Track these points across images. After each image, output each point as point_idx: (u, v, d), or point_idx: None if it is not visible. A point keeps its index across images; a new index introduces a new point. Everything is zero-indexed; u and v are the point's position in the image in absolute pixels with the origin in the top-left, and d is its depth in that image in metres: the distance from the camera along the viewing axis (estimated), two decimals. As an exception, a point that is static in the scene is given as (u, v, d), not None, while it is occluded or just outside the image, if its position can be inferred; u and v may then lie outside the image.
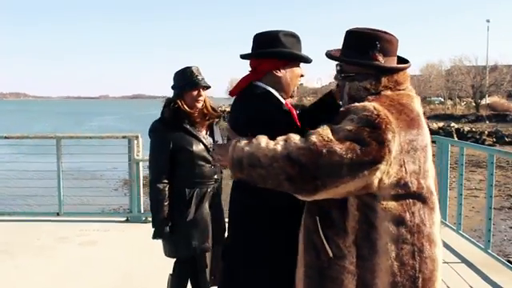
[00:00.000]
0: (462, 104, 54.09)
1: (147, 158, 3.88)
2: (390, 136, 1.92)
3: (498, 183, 15.57)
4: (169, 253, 3.53)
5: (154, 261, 4.56)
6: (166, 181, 3.40)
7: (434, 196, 2.11)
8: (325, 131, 1.97)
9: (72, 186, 6.84)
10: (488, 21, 58.24)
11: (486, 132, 34.14)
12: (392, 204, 1.99)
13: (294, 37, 2.45)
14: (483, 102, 50.33)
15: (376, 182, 1.94)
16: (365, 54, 2.12)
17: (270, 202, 2.24)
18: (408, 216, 2.01)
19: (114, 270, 5.04)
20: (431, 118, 40.68)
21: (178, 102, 3.42)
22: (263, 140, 2.06)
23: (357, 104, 2.02)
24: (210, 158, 3.34)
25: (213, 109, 3.59)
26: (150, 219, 3.60)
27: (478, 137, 32.83)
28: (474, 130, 35.37)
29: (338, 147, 1.90)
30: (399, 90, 2.12)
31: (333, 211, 2.05)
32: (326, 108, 2.57)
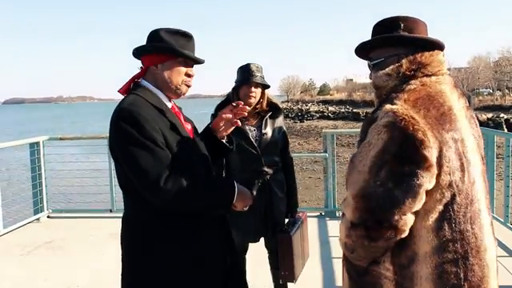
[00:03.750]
0: (511, 94, 52.37)
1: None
2: (420, 136, 1.69)
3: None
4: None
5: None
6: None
7: (481, 195, 1.87)
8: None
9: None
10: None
11: (536, 122, 32.94)
12: (431, 207, 1.77)
13: (183, 35, 2.30)
14: (532, 91, 48.69)
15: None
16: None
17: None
18: (449, 223, 1.78)
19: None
20: (480, 109, 39.68)
21: (230, 95, 3.45)
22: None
23: (378, 114, 1.80)
24: (254, 151, 3.39)
25: (270, 104, 3.56)
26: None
27: (527, 127, 31.73)
28: (523, 120, 34.18)
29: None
30: (427, 74, 1.88)
31: None
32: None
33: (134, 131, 2.08)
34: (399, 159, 1.70)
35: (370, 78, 2.04)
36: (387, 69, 1.90)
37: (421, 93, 1.82)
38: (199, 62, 2.36)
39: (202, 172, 2.30)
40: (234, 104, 2.45)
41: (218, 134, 2.50)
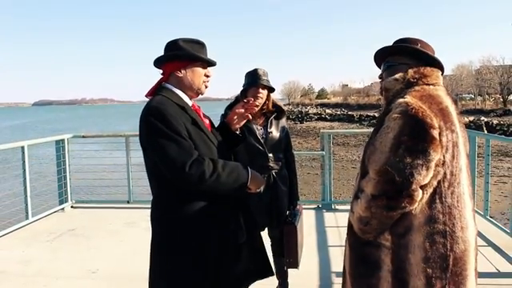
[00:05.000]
0: (491, 100, 52.37)
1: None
2: (428, 120, 1.89)
3: (525, 171, 15.03)
4: None
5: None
6: None
7: (465, 181, 2.03)
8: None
9: (140, 178, 6.86)
10: (513, 24, 55.85)
11: (514, 125, 32.84)
12: (428, 182, 1.92)
13: (197, 43, 2.44)
14: (510, 97, 48.56)
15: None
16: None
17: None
18: (440, 198, 1.94)
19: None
20: (462, 112, 39.25)
21: (239, 97, 3.48)
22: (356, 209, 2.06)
23: (392, 107, 1.99)
24: (261, 148, 3.42)
25: (275, 106, 3.57)
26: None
27: (505, 129, 31.79)
28: (501, 122, 34.15)
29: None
30: (427, 84, 2.07)
31: None
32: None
33: (163, 125, 2.22)
34: (413, 139, 1.88)
35: (380, 79, 2.26)
36: (396, 75, 2.12)
37: (423, 93, 2.01)
38: (213, 63, 2.49)
39: (220, 159, 2.41)
40: (246, 100, 2.64)
41: (232, 127, 2.64)
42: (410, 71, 2.08)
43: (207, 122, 2.54)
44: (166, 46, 2.45)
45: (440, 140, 1.90)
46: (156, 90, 2.42)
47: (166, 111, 2.24)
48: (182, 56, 2.39)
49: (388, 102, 2.09)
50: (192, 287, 2.34)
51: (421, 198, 1.90)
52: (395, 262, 1.96)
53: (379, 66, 2.29)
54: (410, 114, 1.89)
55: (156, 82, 2.47)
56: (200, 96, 2.52)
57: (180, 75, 2.40)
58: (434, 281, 1.92)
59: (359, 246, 2.08)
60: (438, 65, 2.15)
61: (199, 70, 2.43)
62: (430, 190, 1.93)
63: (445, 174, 1.93)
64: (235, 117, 2.63)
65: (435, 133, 1.88)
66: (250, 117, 2.69)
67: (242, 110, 2.62)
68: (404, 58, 2.15)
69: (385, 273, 1.98)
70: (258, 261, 2.65)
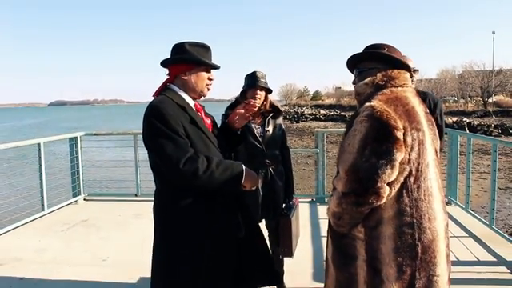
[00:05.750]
0: (472, 102, 52.25)
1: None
2: (392, 122, 1.89)
3: (503, 168, 15.11)
4: None
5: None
6: None
7: (433, 175, 2.03)
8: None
9: (147, 173, 6.85)
10: (493, 32, 55.83)
11: (493, 125, 32.71)
12: (395, 179, 1.93)
13: (202, 47, 2.41)
14: (490, 100, 48.57)
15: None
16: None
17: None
18: (407, 192, 1.95)
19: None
20: (446, 114, 39.52)
21: (239, 98, 3.47)
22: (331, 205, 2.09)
23: (359, 111, 1.99)
24: (259, 146, 3.41)
25: (272, 107, 3.54)
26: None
27: (485, 129, 31.62)
28: (482, 123, 34.00)
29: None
30: (395, 85, 2.06)
31: None
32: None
33: (161, 125, 2.20)
34: (378, 140, 1.88)
35: (353, 84, 2.23)
36: (366, 80, 2.11)
37: (390, 95, 2.01)
38: (216, 68, 2.47)
39: (216, 157, 2.38)
40: (246, 102, 2.65)
41: (233, 127, 2.64)
42: (379, 75, 2.08)
43: (209, 121, 2.52)
44: (173, 49, 2.43)
45: (404, 140, 1.90)
46: (161, 91, 2.40)
47: (165, 110, 2.22)
48: (187, 60, 2.37)
49: (361, 105, 2.07)
50: (188, 281, 2.29)
51: (388, 193, 1.91)
52: (369, 252, 1.99)
53: (352, 73, 2.28)
54: (375, 117, 1.89)
55: (162, 82, 2.46)
56: (203, 97, 2.50)
57: (185, 78, 2.38)
58: (405, 268, 1.94)
59: (338, 238, 2.11)
60: (405, 67, 2.13)
61: (203, 74, 2.41)
62: (398, 186, 1.94)
63: (410, 170, 1.93)
64: (236, 117, 2.62)
65: (399, 134, 1.88)
66: (251, 117, 2.68)
67: (243, 111, 2.61)
68: (373, 63, 2.14)
69: (360, 262, 2.02)
70: (262, 265, 2.58)
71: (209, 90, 2.48)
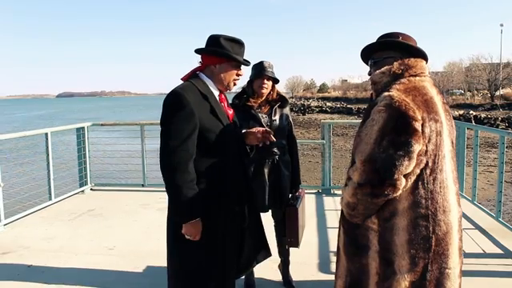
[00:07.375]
0: (479, 95, 51.86)
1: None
2: (411, 113, 1.84)
3: (509, 161, 14.96)
4: None
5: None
6: None
7: (449, 167, 1.99)
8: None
9: (154, 163, 6.84)
10: (502, 25, 55.12)
11: (500, 118, 32.53)
12: (411, 171, 1.89)
13: (237, 42, 2.44)
14: (497, 93, 48.16)
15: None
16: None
17: None
18: (423, 184, 1.91)
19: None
20: (453, 106, 39.39)
21: (245, 88, 3.47)
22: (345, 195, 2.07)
23: (377, 100, 1.95)
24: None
25: (279, 96, 3.52)
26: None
27: (492, 122, 31.46)
28: (489, 116, 33.79)
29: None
30: (413, 75, 2.00)
31: None
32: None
33: (172, 115, 2.25)
34: (397, 131, 1.84)
35: (369, 75, 2.17)
36: (382, 68, 2.05)
37: (409, 85, 1.95)
38: (246, 65, 2.51)
39: (234, 148, 2.45)
40: (268, 131, 2.63)
41: (246, 141, 2.67)
42: (396, 64, 2.02)
43: (231, 112, 2.56)
44: (208, 39, 2.46)
45: (422, 131, 1.86)
46: (189, 77, 2.44)
47: (183, 97, 2.24)
48: (219, 53, 2.40)
49: (377, 94, 2.04)
50: (200, 267, 2.35)
51: (404, 185, 1.88)
52: (381, 244, 1.97)
53: (367, 64, 2.24)
54: (393, 107, 1.85)
55: (193, 68, 2.50)
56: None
57: (215, 70, 2.42)
58: (418, 260, 1.92)
59: (350, 228, 2.08)
60: (421, 55, 2.08)
61: (232, 69, 2.45)
62: (414, 178, 1.90)
63: (427, 162, 1.90)
64: (251, 135, 2.65)
65: (417, 125, 1.84)
66: (260, 144, 2.69)
67: (259, 136, 2.62)
68: (388, 52, 2.11)
69: (373, 253, 1.99)
70: (260, 244, 2.67)
71: (235, 84, 2.52)
